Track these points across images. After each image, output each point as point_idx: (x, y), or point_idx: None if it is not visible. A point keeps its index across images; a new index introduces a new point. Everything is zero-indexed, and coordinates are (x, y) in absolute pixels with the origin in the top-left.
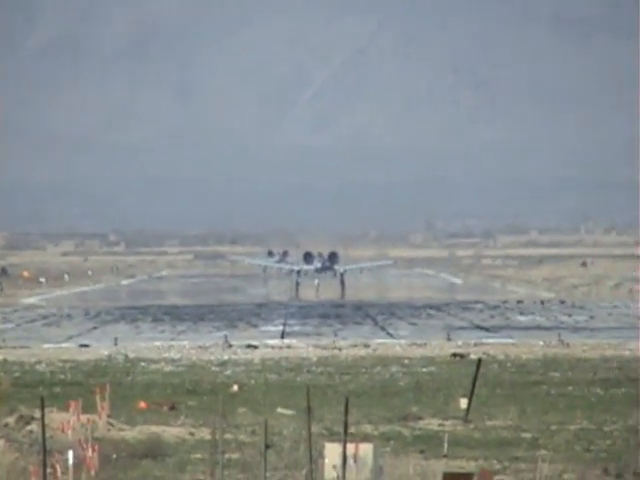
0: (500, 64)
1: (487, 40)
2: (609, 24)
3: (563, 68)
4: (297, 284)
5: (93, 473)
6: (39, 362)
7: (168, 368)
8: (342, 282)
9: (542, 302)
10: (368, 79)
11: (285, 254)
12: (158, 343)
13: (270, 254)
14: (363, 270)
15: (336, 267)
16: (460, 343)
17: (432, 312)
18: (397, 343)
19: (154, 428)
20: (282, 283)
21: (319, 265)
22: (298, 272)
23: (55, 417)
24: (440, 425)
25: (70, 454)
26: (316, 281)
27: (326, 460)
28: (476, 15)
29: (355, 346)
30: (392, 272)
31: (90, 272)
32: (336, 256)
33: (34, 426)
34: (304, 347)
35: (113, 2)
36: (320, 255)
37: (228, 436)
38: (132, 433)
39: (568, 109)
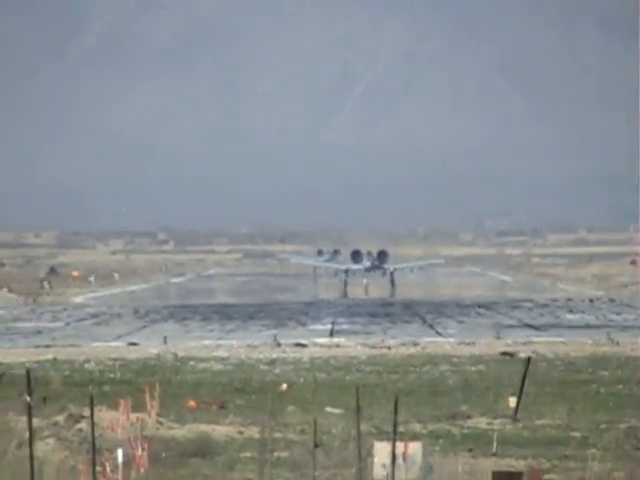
0: (547, 67)
1: (534, 43)
2: None
3: (611, 67)
4: (345, 284)
5: (142, 471)
6: (88, 361)
7: (217, 367)
8: (392, 281)
9: (591, 300)
10: (416, 80)
11: (336, 253)
12: (207, 342)
13: (320, 253)
14: (413, 269)
15: (385, 266)
16: (509, 341)
17: (481, 310)
18: (446, 342)
19: (203, 427)
20: (332, 282)
21: (368, 264)
22: (346, 271)
23: (104, 416)
24: (489, 424)
25: (119, 452)
26: (365, 281)
27: (375, 459)
28: (524, 18)
29: (404, 345)
30: (441, 270)
31: (139, 271)
32: (386, 255)
33: (83, 424)
34: (353, 346)
35: (157, 3)
36: (369, 254)
37: (277, 435)
38: (181, 432)
39: (616, 108)
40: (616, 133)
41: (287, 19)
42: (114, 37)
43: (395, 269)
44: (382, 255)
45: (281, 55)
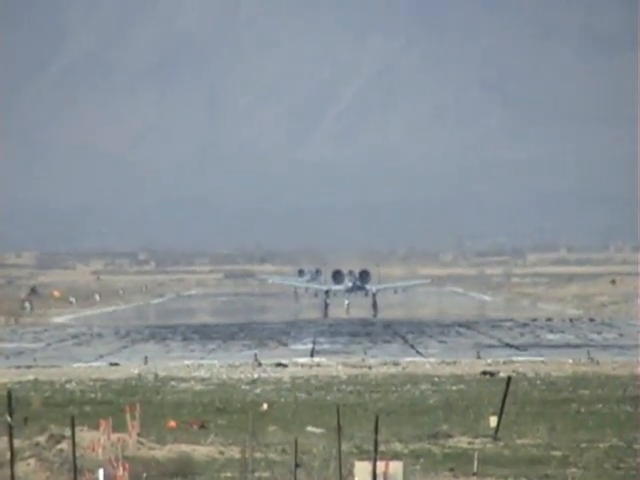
0: (529, 82)
1: (514, 57)
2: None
3: (587, 85)
4: (326, 305)
5: None
6: (69, 381)
7: (198, 387)
8: (374, 302)
9: (571, 320)
10: (395, 97)
11: (317, 273)
12: (188, 362)
13: (301, 273)
14: (397, 290)
15: (368, 287)
16: (490, 361)
17: (462, 330)
18: (427, 361)
19: (184, 447)
20: (313, 302)
21: (350, 284)
22: (327, 292)
23: (85, 436)
24: (470, 443)
25: (101, 473)
26: (346, 302)
27: (356, 478)
28: (499, 32)
29: (385, 364)
30: (421, 290)
31: (120, 291)
32: (368, 275)
33: (65, 445)
34: (334, 365)
35: (140, 20)
36: (351, 274)
37: (258, 455)
38: (162, 452)
39: (594, 126)
40: (597, 151)
41: (268, 35)
42: (94, 55)
43: (378, 290)
44: (364, 275)
45: (261, 71)
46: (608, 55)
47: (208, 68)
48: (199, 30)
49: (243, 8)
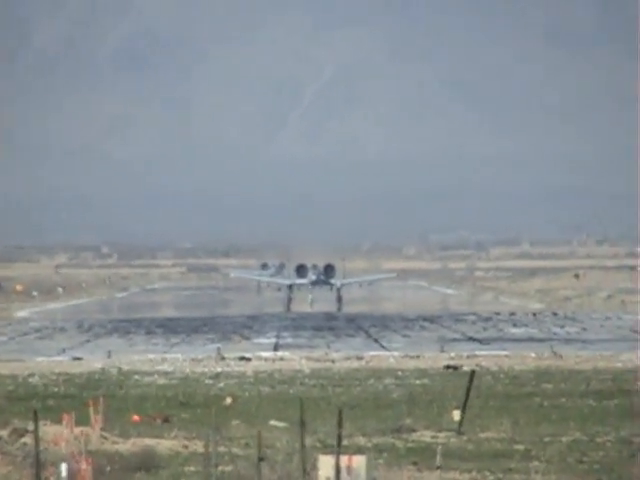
0: (494, 77)
1: (482, 52)
2: (609, 35)
3: (558, 80)
4: (289, 299)
5: None
6: (32, 375)
7: (161, 381)
8: (339, 296)
9: (534, 314)
10: (362, 91)
11: (281, 267)
12: (151, 356)
13: (264, 266)
14: (362, 284)
15: (332, 281)
16: (453, 355)
17: (425, 324)
18: (390, 355)
19: (147, 441)
20: (277, 296)
21: (314, 278)
22: (290, 286)
23: (49, 430)
24: (433, 437)
25: (64, 467)
26: (310, 296)
27: (319, 472)
28: (470, 26)
29: (348, 358)
30: (385, 284)
31: (83, 285)
32: (332, 269)
33: (28, 439)
34: (297, 359)
35: (111, 13)
36: (315, 267)
37: (221, 449)
38: (125, 446)
39: (561, 121)
40: (560, 146)
41: (237, 32)
42: (67, 46)
43: (343, 284)
44: (328, 269)
45: (229, 67)
46: (585, 49)
47: (176, 63)
48: (168, 26)
49: (212, 6)
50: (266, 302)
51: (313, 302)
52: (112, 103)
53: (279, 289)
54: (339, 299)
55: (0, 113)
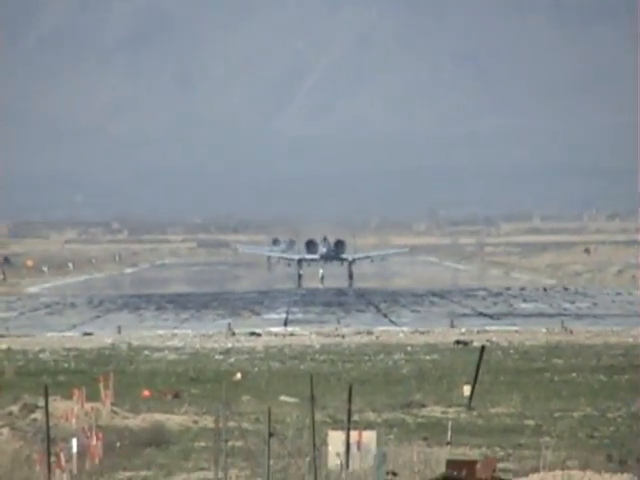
0: (500, 53)
1: (487, 29)
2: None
3: (563, 57)
4: (299, 275)
5: (97, 461)
6: (43, 351)
7: (172, 356)
8: (350, 271)
9: (545, 289)
10: (370, 68)
11: (292, 242)
12: (161, 331)
13: (275, 242)
14: (374, 259)
15: (344, 256)
16: (463, 330)
17: (435, 299)
18: (400, 330)
19: (158, 416)
20: (287, 271)
21: (324, 250)
22: (299, 262)
23: (59, 405)
24: (443, 412)
25: (74, 442)
26: (320, 271)
27: (329, 448)
28: (476, 4)
29: (358, 334)
30: (395, 259)
31: (94, 260)
32: (343, 244)
33: (38, 414)
34: (307, 335)
35: None
36: (325, 241)
37: (232, 424)
38: (136, 421)
39: (569, 97)
40: (570, 121)
41: (240, 7)
42: (67, 27)
43: (354, 259)
44: (339, 245)
45: (234, 43)
46: (587, 26)
47: (181, 40)
48: (172, 3)
49: None
50: (277, 278)
51: (324, 278)
52: (117, 81)
53: (289, 264)
54: (350, 274)
55: (7, 91)
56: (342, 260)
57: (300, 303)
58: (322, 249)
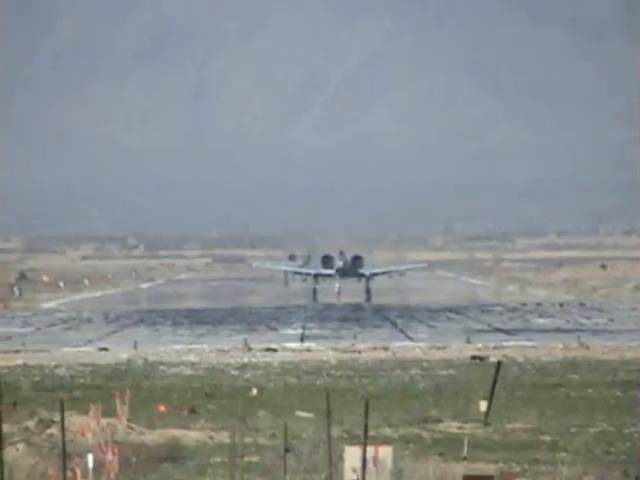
0: (515, 66)
1: (502, 42)
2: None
3: (577, 70)
4: (315, 292)
5: (113, 476)
6: (59, 366)
7: (187, 372)
8: (368, 287)
9: (561, 304)
10: (383, 81)
11: (309, 258)
12: (177, 347)
13: (292, 258)
14: (392, 275)
15: (361, 271)
16: (480, 346)
17: (451, 315)
18: (416, 346)
19: (174, 432)
20: (304, 287)
21: (340, 264)
22: (315, 277)
23: (75, 421)
24: (460, 428)
25: (90, 458)
26: (337, 285)
27: (346, 463)
28: (490, 16)
29: (374, 349)
30: (411, 274)
31: (109, 276)
32: (360, 260)
33: (54, 430)
34: (323, 350)
35: (128, 2)
36: (342, 255)
37: (248, 439)
38: (152, 437)
39: (583, 111)
40: (587, 136)
41: (254, 20)
42: (82, 38)
43: (372, 274)
44: (356, 260)
45: (249, 56)
46: (599, 40)
47: (196, 52)
48: (187, 13)
49: None
50: (293, 294)
51: (340, 292)
52: (132, 93)
53: (304, 280)
54: (368, 290)
55: (16, 102)
56: (359, 276)
57: (316, 319)
58: (338, 263)
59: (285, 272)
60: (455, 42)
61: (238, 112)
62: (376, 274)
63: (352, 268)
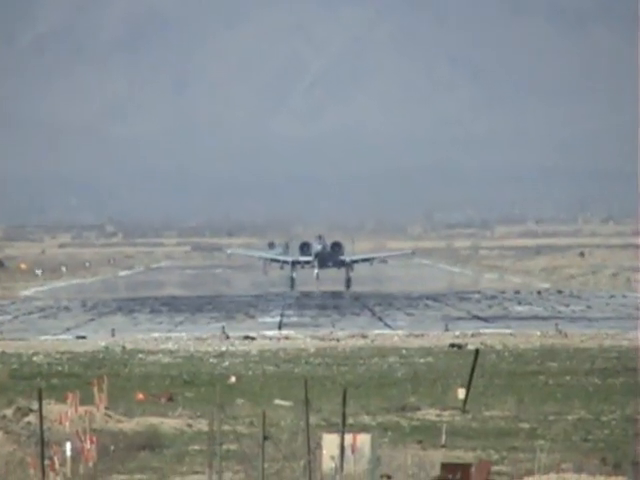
0: (497, 54)
1: (484, 30)
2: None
3: (559, 59)
4: (292, 280)
5: (91, 464)
6: (36, 354)
7: (166, 359)
8: (348, 275)
9: (539, 292)
10: (365, 69)
11: (287, 246)
12: (156, 334)
13: (271, 246)
14: (373, 262)
15: (341, 258)
16: (458, 333)
17: (430, 302)
18: (395, 334)
19: (152, 420)
20: (283, 274)
21: (319, 248)
22: (293, 264)
23: (53, 409)
24: (438, 415)
25: (68, 446)
26: (315, 271)
27: (324, 451)
28: (473, 4)
29: (353, 337)
30: (390, 262)
31: (87, 264)
32: (340, 246)
33: (32, 418)
34: (301, 338)
35: None
36: (321, 239)
37: (226, 427)
38: (130, 425)
39: (564, 99)
40: (565, 123)
41: (237, 8)
42: (64, 28)
43: (353, 261)
44: (336, 247)
45: (231, 44)
46: (581, 29)
47: (177, 41)
48: (168, 1)
49: None
50: (272, 282)
51: (319, 276)
52: (113, 82)
53: (281, 267)
54: (348, 277)
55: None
56: (340, 263)
57: (294, 306)
58: (317, 247)
59: (264, 260)
60: (438, 30)
61: (219, 101)
62: (356, 261)
63: (332, 254)
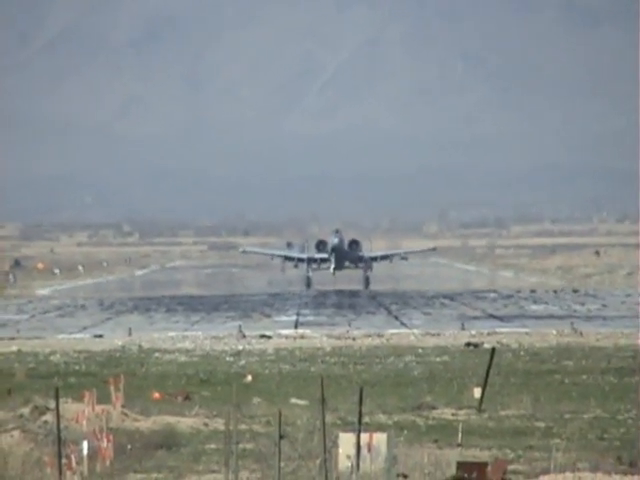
0: (510, 54)
1: (497, 29)
2: (614, 14)
3: (572, 58)
4: (308, 278)
5: (108, 463)
6: (53, 353)
7: (182, 358)
8: (366, 274)
9: (555, 291)
10: (378, 68)
11: (304, 247)
12: (172, 333)
13: (289, 245)
14: (393, 259)
15: (360, 254)
16: (474, 332)
17: (446, 301)
18: (411, 333)
19: (168, 418)
20: (299, 273)
21: (336, 242)
22: (309, 262)
23: (70, 408)
24: (454, 414)
25: (85, 444)
26: (332, 266)
27: (340, 450)
28: (485, 4)
29: (369, 336)
30: (406, 261)
31: (104, 263)
32: (358, 244)
33: (49, 417)
34: (318, 337)
35: None
36: (338, 233)
37: (242, 426)
38: (146, 424)
39: (578, 98)
40: (580, 123)
41: (250, 8)
42: (77, 27)
43: (372, 258)
44: (353, 245)
45: (244, 44)
46: (592, 27)
47: (191, 40)
48: (183, 1)
49: None
50: (289, 281)
51: (335, 273)
52: (128, 82)
53: (296, 265)
54: (366, 277)
55: (13, 90)
56: (357, 260)
57: (311, 305)
58: (334, 240)
59: (283, 259)
60: (449, 30)
61: (233, 101)
62: (375, 258)
63: (349, 252)
